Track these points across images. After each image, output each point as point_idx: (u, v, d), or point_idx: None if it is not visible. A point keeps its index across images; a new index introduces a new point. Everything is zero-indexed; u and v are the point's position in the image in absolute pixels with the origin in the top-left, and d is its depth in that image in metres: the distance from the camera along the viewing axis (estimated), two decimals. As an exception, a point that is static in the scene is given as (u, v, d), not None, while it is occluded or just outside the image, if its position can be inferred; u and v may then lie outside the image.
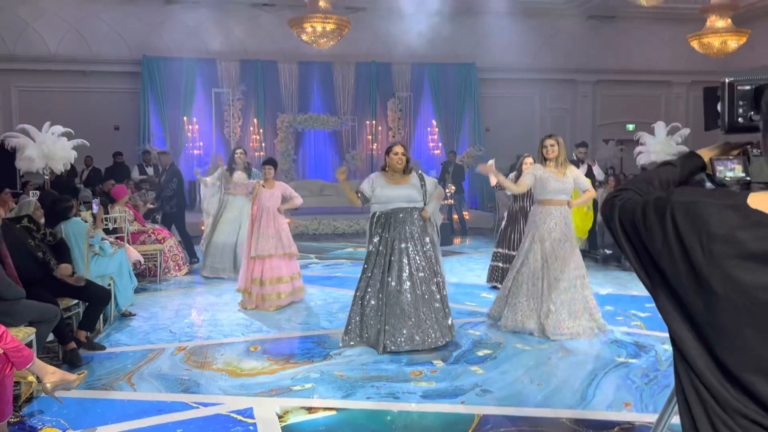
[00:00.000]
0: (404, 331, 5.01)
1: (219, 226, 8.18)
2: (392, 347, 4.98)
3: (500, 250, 7.48)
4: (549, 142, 5.64)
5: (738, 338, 0.99)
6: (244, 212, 7.84)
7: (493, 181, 7.31)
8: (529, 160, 7.37)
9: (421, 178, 5.38)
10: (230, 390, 4.31)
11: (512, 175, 7.59)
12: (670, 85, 16.91)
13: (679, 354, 1.08)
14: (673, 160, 1.56)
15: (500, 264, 7.42)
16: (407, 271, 5.13)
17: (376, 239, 5.25)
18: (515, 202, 7.44)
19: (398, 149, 5.32)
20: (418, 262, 5.18)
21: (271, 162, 7.03)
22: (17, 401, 3.86)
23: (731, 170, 1.42)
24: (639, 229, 1.13)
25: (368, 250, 5.33)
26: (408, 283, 5.11)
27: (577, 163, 9.30)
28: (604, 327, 5.58)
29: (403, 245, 5.16)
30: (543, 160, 5.65)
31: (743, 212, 1.00)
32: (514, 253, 7.21)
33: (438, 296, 5.21)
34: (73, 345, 4.84)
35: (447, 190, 12.11)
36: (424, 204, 5.36)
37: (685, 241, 1.03)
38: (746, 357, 0.99)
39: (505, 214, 7.67)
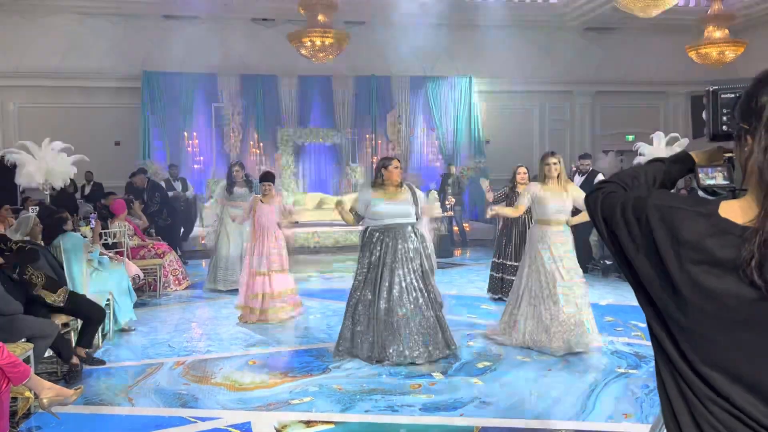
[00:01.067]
0: (393, 347, 5.02)
1: (222, 239, 8.21)
2: (385, 361, 4.99)
3: (494, 259, 7.58)
4: (553, 160, 5.49)
5: (704, 340, 1.02)
6: (245, 225, 7.94)
7: (490, 197, 7.43)
8: (523, 170, 7.44)
9: (413, 192, 5.38)
10: (228, 404, 4.29)
11: (506, 188, 7.65)
12: (668, 95, 16.94)
13: (658, 345, 1.11)
14: (664, 158, 1.58)
15: (494, 273, 7.53)
16: (398, 286, 5.12)
17: (368, 254, 5.23)
18: None
19: (396, 163, 5.34)
20: (410, 277, 5.16)
21: (269, 178, 7.01)
22: (14, 417, 3.84)
23: (712, 178, 1.43)
24: (617, 225, 1.15)
25: (359, 264, 5.32)
26: (398, 299, 5.10)
27: (574, 175, 9.31)
28: (599, 340, 5.50)
29: (395, 261, 5.14)
30: (544, 177, 5.54)
31: (713, 220, 1.02)
32: (507, 263, 7.28)
33: (430, 312, 5.19)
34: (76, 360, 4.82)
35: (447, 202, 12.12)
36: (417, 218, 5.35)
37: (658, 245, 1.06)
38: (713, 359, 1.02)
39: (500, 224, 7.74)
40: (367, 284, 5.20)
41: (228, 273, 8.13)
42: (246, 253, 6.93)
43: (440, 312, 5.32)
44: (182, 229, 11.65)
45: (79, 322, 5.29)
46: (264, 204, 6.81)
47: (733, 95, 1.37)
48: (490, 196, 7.55)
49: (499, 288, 7.44)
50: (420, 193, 5.49)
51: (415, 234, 5.30)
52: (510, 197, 7.47)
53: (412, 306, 5.12)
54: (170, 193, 11.38)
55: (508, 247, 7.40)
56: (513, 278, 7.11)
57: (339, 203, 5.53)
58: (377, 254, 5.19)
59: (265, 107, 14.87)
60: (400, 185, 5.35)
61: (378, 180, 5.36)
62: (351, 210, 5.33)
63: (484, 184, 7.75)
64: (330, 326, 6.37)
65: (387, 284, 5.12)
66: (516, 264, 7.14)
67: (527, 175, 7.50)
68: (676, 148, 10.12)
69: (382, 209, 5.21)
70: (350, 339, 5.22)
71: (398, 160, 5.41)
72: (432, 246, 5.58)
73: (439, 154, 15.69)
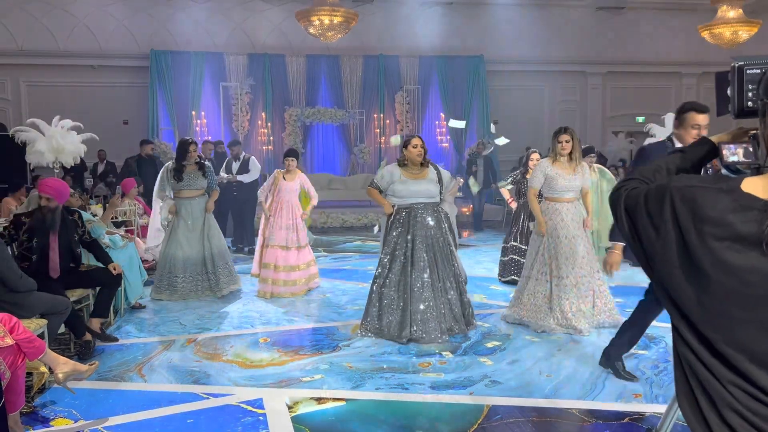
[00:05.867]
0: (420, 327, 5.05)
1: (174, 239, 6.69)
2: (419, 337, 5.02)
3: (505, 244, 7.59)
4: (564, 138, 5.36)
5: (727, 318, 1.03)
6: (211, 221, 6.84)
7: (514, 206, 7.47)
8: (536, 156, 7.35)
9: (438, 172, 5.36)
10: (240, 381, 4.33)
11: (518, 171, 7.62)
12: (680, 76, 16.78)
13: (679, 336, 1.12)
14: (684, 147, 1.58)
15: (503, 257, 7.60)
16: (427, 265, 5.14)
17: (394, 234, 5.23)
18: (520, 197, 7.45)
19: (417, 141, 5.30)
20: (437, 256, 5.19)
21: (293, 153, 7.05)
22: (29, 392, 3.89)
23: (734, 155, 1.41)
24: (639, 216, 1.16)
25: (386, 244, 5.30)
26: (428, 277, 5.13)
27: None
28: (617, 322, 5.47)
29: (422, 240, 5.16)
30: (555, 154, 5.43)
31: (735, 196, 1.03)
32: (514, 245, 7.29)
33: (455, 290, 5.25)
34: (88, 336, 4.88)
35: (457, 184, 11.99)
36: (441, 198, 5.34)
37: (681, 224, 1.06)
38: (735, 338, 1.02)
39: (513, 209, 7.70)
40: (395, 262, 5.21)
41: (178, 280, 6.62)
42: (261, 225, 7.02)
43: (464, 289, 5.38)
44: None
45: (92, 299, 5.34)
46: (287, 181, 6.89)
47: (759, 71, 1.35)
48: (514, 205, 7.57)
49: (507, 270, 7.46)
50: (444, 173, 5.46)
51: (440, 213, 5.30)
52: (522, 184, 7.41)
53: (439, 283, 5.17)
54: (223, 176, 9.33)
55: (515, 230, 7.39)
56: (520, 259, 7.16)
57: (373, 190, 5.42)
58: (403, 234, 5.20)
59: (273, 86, 14.82)
60: (425, 164, 5.32)
61: (401, 159, 5.37)
62: (372, 185, 5.36)
63: (506, 194, 7.70)
64: (340, 305, 6.41)
65: (417, 263, 5.13)
66: (523, 247, 7.17)
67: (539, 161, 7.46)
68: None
69: (406, 188, 5.21)
70: (377, 318, 5.24)
71: (420, 138, 5.36)
72: (455, 222, 5.58)
73: (448, 134, 15.62)
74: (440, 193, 5.35)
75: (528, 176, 7.31)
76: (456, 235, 5.52)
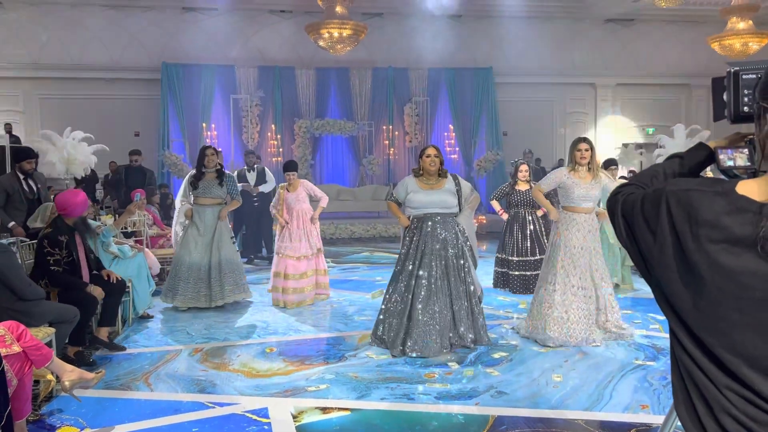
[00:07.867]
0: (428, 337, 4.99)
1: (185, 244, 6.72)
2: (417, 349, 4.96)
3: (498, 255, 7.67)
4: (584, 146, 5.38)
5: (724, 323, 1.02)
6: (222, 230, 6.82)
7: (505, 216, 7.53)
8: (524, 167, 7.52)
9: (457, 182, 5.31)
10: (246, 390, 4.33)
11: (507, 183, 7.71)
12: (689, 88, 16.73)
13: (677, 341, 1.11)
14: (681, 153, 1.57)
15: (498, 268, 7.65)
16: (434, 277, 5.08)
17: (406, 243, 5.22)
18: (510, 207, 7.50)
19: (430, 151, 5.26)
20: (448, 269, 5.13)
21: (291, 167, 7.09)
22: (36, 400, 3.92)
23: (731, 159, 1.41)
24: (636, 220, 1.16)
25: (400, 253, 5.30)
26: (433, 290, 5.07)
27: None
28: (623, 336, 5.44)
29: (431, 251, 5.10)
30: (574, 164, 5.42)
31: (730, 198, 1.02)
32: (510, 258, 7.32)
33: (466, 304, 5.19)
34: (77, 349, 4.89)
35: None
36: (460, 209, 5.29)
37: (677, 228, 1.06)
38: (732, 343, 1.01)
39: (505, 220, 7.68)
40: (404, 272, 5.18)
41: (189, 287, 6.62)
42: (277, 236, 7.10)
43: (476, 303, 5.29)
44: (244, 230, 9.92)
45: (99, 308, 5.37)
46: (290, 192, 6.99)
47: (754, 76, 1.35)
48: (505, 216, 7.61)
49: (503, 282, 7.49)
50: (465, 183, 5.41)
51: (455, 225, 5.24)
52: (511, 196, 7.49)
53: (446, 299, 5.10)
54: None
55: (509, 242, 7.41)
56: (516, 273, 7.22)
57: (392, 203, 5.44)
58: (415, 242, 5.17)
59: (283, 99, 14.93)
60: (443, 174, 5.28)
61: (416, 169, 5.35)
62: (388, 197, 5.38)
63: (496, 206, 7.75)
64: (347, 315, 6.41)
65: (427, 275, 5.08)
66: (518, 259, 7.23)
67: (528, 172, 7.55)
68: (698, 141, 9.99)
69: (420, 198, 5.18)
70: (382, 326, 5.24)
71: (434, 148, 5.32)
72: (474, 237, 5.51)
73: (457, 146, 15.64)
74: (459, 204, 5.28)
75: (517, 188, 7.42)
76: (475, 248, 5.44)
